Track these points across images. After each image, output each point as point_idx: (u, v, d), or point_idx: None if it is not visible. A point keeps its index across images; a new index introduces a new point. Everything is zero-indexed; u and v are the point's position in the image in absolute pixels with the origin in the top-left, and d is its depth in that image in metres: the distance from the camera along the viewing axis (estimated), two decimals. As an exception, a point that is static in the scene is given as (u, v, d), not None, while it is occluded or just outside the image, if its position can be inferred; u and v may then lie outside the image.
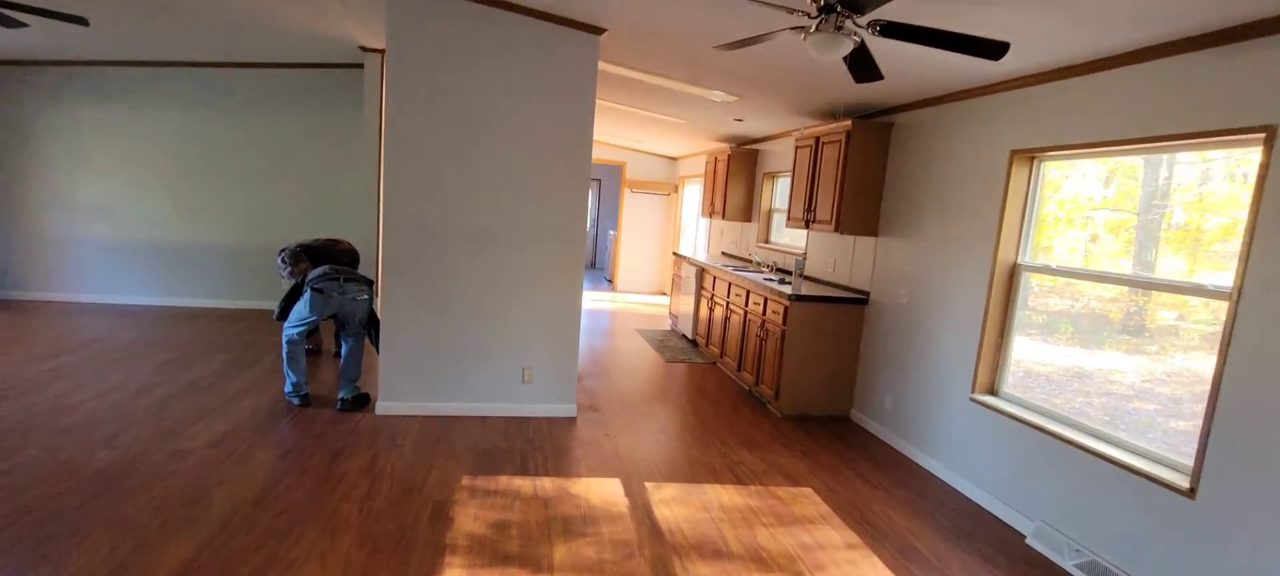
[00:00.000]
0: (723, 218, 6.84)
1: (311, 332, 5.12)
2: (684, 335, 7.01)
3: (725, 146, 7.15)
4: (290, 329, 3.92)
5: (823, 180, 4.63)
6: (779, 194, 6.50)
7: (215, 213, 6.59)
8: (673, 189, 10.27)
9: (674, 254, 7.78)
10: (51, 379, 4.09)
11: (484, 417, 4.02)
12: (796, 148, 5.11)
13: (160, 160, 6.46)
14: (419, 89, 3.67)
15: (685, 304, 6.96)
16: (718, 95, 4.88)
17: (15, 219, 6.40)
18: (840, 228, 4.41)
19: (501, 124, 3.78)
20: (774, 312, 4.64)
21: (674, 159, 10.28)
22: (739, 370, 5.25)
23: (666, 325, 7.73)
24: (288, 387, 3.99)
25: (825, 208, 4.57)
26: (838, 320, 4.52)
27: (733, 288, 5.53)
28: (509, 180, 3.84)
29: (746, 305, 5.18)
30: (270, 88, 6.45)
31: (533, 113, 3.80)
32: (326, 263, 4.29)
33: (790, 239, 6.17)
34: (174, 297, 6.65)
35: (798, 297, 4.43)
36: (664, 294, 10.60)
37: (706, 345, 6.13)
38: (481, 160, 3.80)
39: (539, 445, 3.67)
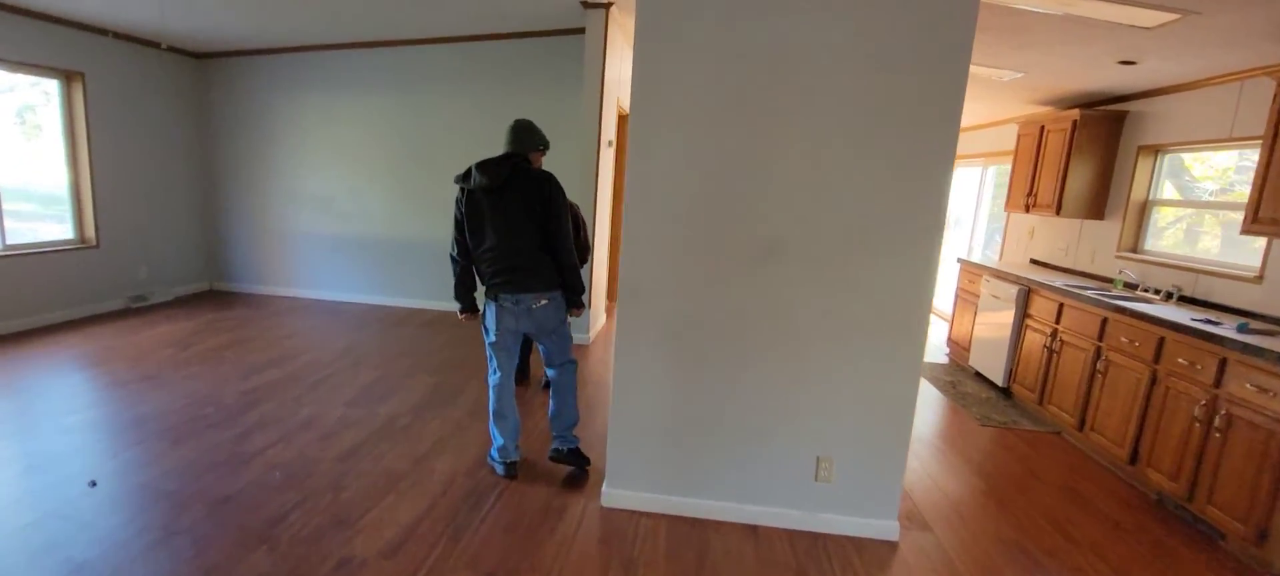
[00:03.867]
0: (1054, 212, 4.73)
1: (522, 369, 4.18)
2: (979, 374, 5.06)
3: (1058, 111, 4.99)
4: (492, 366, 2.85)
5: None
6: (1173, 177, 4.25)
7: (426, 205, 6.05)
8: (932, 173, 8.09)
9: (959, 260, 5.78)
10: (246, 407, 3.51)
11: (754, 527, 2.63)
12: (1283, 97, 2.96)
13: (377, 149, 6.06)
14: (682, 28, 2.33)
15: (982, 331, 5.00)
16: (1144, 16, 2.93)
17: (249, 211, 6.44)
18: None
19: (810, 74, 2.30)
20: (1253, 390, 2.62)
21: (935, 134, 8.08)
22: (1135, 462, 3.27)
23: (943, 355, 5.79)
24: (492, 451, 2.95)
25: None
26: None
27: (1111, 325, 3.53)
28: (819, 161, 2.36)
29: (1156, 359, 3.18)
30: (481, 63, 5.70)
31: (865, 54, 2.27)
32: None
33: (1177, 248, 3.93)
34: (387, 297, 6.28)
35: (1335, 371, 2.38)
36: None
37: (1041, 403, 4.15)
38: (776, 132, 2.36)
39: (862, 609, 2.19)
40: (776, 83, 2.32)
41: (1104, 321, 3.61)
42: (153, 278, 5.90)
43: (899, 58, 2.25)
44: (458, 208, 2.74)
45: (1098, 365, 3.63)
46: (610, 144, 5.54)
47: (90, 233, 5.28)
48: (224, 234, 6.55)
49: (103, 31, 5.11)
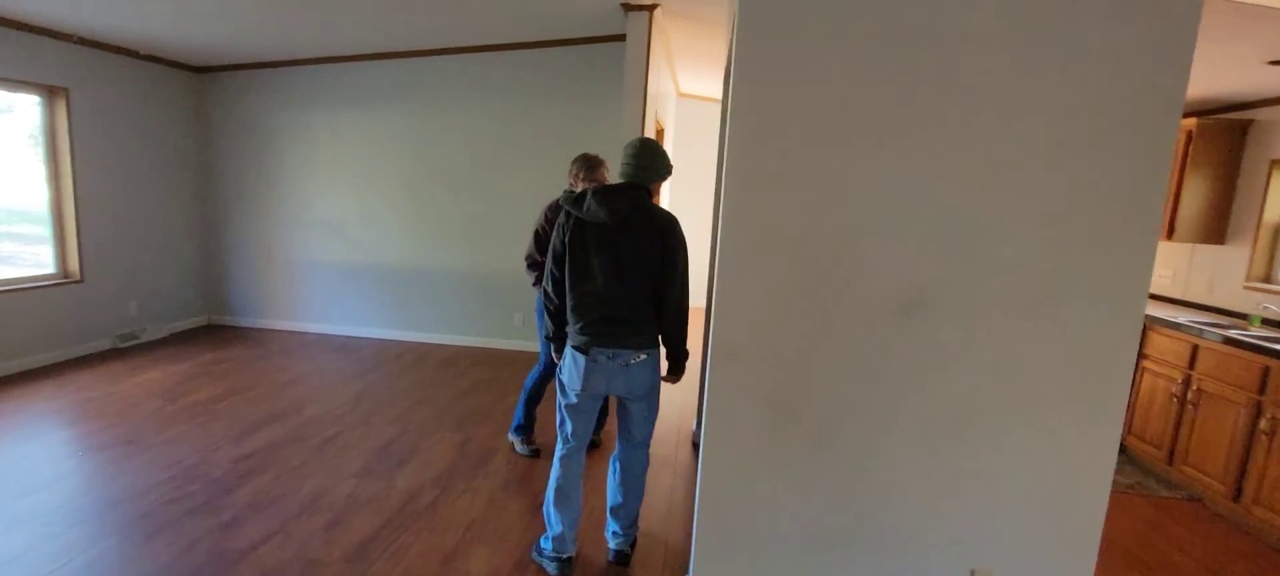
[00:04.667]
0: (1166, 236, 4.13)
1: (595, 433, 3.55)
2: (1075, 420, 4.42)
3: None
4: (564, 432, 2.29)
5: None
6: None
7: (444, 230, 5.51)
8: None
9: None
10: (239, 480, 2.94)
11: (888, 658, 2.02)
12: None
13: (390, 168, 5.54)
14: (801, 16, 1.77)
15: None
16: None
17: (251, 238, 5.91)
18: None
19: (973, 73, 1.73)
20: None
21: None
22: (1330, 551, 2.65)
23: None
24: (544, 543, 2.36)
25: None
26: None
27: (1278, 376, 2.92)
28: (980, 187, 1.78)
29: (1356, 424, 2.56)
30: (505, 74, 5.18)
31: (1052, 41, 1.70)
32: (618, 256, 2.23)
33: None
34: (401, 330, 5.72)
35: None
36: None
37: (1171, 463, 3.53)
38: (922, 150, 1.79)
39: None
40: (926, 85, 1.76)
41: (1265, 370, 3.00)
42: (144, 314, 5.37)
43: (1098, 42, 1.68)
44: (558, 234, 2.21)
45: (1259, 424, 3.01)
46: (649, 162, 4.98)
47: (73, 266, 4.75)
48: (224, 263, 6.03)
49: (76, 40, 4.63)
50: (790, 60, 1.80)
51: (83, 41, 4.60)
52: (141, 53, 5.08)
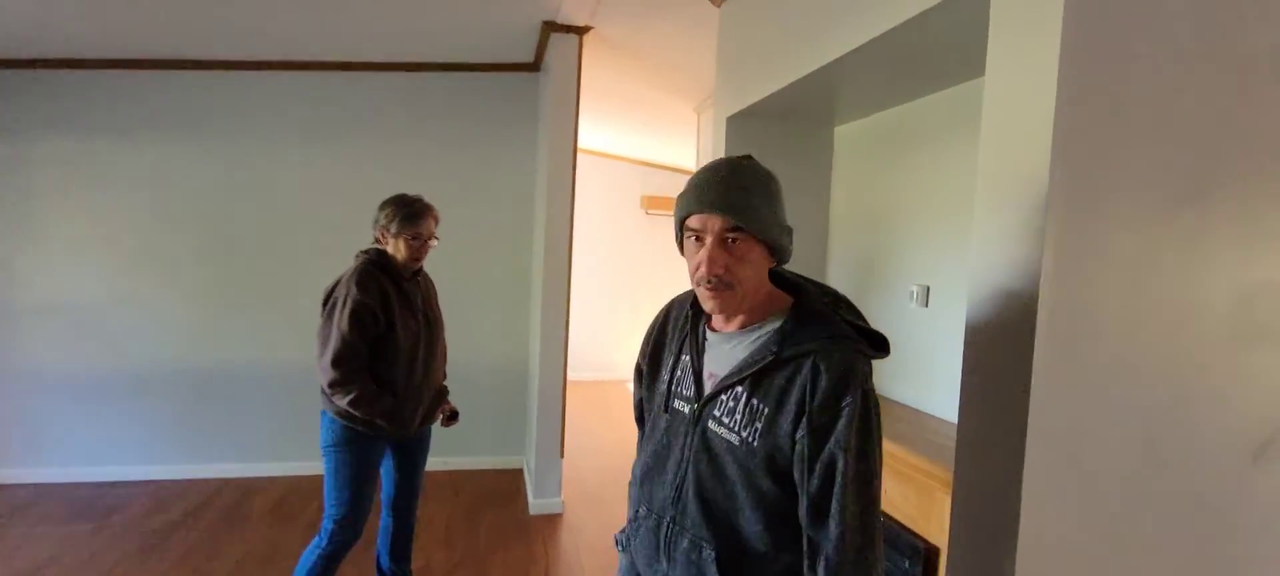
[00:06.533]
0: None
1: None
2: None
3: None
4: None
5: None
6: None
7: (261, 310, 3.91)
8: None
9: None
10: None
11: None
12: None
13: (174, 225, 3.81)
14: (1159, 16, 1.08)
15: None
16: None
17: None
18: None
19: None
20: None
21: None
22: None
23: None
24: None
25: None
26: None
27: None
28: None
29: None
30: (368, 100, 3.86)
31: None
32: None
33: None
34: (192, 464, 3.90)
35: None
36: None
37: None
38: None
39: None
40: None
41: None
42: None
43: None
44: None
45: None
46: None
47: None
48: None
49: None
50: (1151, 78, 1.08)
51: None
52: None
